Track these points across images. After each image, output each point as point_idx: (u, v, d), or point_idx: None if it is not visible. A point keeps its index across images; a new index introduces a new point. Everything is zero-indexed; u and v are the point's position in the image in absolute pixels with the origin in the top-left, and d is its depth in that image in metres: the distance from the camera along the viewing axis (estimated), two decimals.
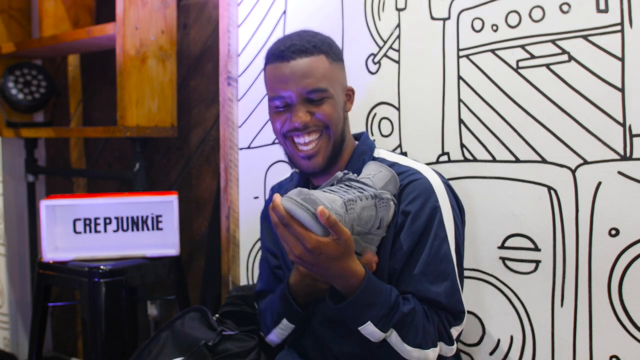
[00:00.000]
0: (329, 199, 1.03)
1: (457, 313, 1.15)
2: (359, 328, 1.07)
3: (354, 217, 1.06)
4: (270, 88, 1.23)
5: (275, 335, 1.31)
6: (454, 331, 1.15)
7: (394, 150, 1.49)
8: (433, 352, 1.11)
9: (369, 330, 1.06)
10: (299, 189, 1.02)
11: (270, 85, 1.22)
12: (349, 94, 1.29)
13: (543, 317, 1.35)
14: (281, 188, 1.42)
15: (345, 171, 1.14)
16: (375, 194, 1.10)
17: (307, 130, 1.19)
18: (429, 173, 1.21)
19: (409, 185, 1.18)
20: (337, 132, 1.21)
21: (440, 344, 1.13)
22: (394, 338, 1.08)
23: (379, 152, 1.30)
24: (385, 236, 1.16)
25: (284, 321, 1.27)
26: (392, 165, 1.23)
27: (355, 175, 1.15)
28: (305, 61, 1.18)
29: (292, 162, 1.27)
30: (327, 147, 1.21)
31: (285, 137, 1.23)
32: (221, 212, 1.94)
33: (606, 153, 1.25)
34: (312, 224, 1.00)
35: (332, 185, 1.13)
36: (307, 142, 1.20)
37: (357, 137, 1.33)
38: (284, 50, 1.19)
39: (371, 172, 1.16)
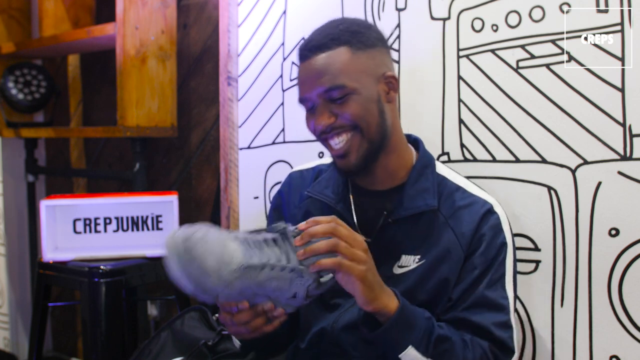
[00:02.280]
0: (220, 260, 0.89)
1: (506, 348, 1.09)
2: (400, 355, 1.00)
3: (248, 284, 0.93)
4: (298, 88, 1.14)
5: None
6: None
7: None
8: None
9: (411, 356, 1.00)
10: (194, 229, 0.91)
11: (298, 85, 1.14)
12: (390, 81, 1.14)
13: (543, 317, 1.35)
14: (303, 180, 1.31)
15: (289, 225, 0.98)
16: (296, 268, 0.95)
17: (334, 131, 1.10)
18: (497, 206, 1.17)
19: (485, 217, 1.13)
20: (370, 129, 1.10)
21: None
22: None
23: (440, 168, 1.21)
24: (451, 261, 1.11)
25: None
26: (456, 190, 1.17)
27: (297, 230, 0.98)
28: (320, 58, 1.08)
29: (333, 161, 1.17)
30: (360, 145, 1.11)
31: (320, 138, 1.14)
32: (221, 212, 1.94)
33: (606, 153, 1.25)
34: (179, 278, 0.90)
35: (264, 232, 0.99)
36: (337, 143, 1.11)
37: (410, 140, 1.24)
38: (303, 49, 1.11)
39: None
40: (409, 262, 1.13)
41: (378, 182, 1.19)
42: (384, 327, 1.00)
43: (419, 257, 1.13)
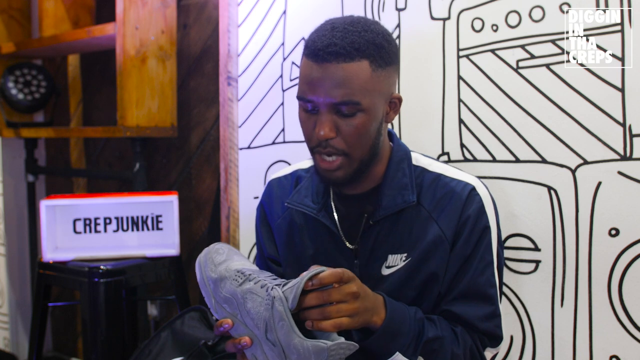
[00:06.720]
0: (227, 259, 1.06)
1: (493, 337, 1.12)
2: None
3: (234, 290, 0.99)
4: (300, 85, 1.08)
5: None
6: (488, 353, 1.13)
7: None
8: None
9: None
10: (216, 247, 1.08)
11: (300, 81, 1.07)
12: (395, 102, 1.12)
13: (543, 317, 1.35)
14: (282, 189, 1.29)
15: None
16: (268, 288, 0.95)
17: (328, 149, 1.06)
18: (480, 187, 1.15)
19: (468, 200, 1.12)
20: (361, 154, 1.08)
21: None
22: None
23: (417, 159, 1.18)
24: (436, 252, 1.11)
25: None
26: (436, 179, 1.15)
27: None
28: (340, 68, 1.01)
29: (315, 168, 1.14)
30: (349, 166, 1.08)
31: (313, 150, 1.11)
32: (221, 212, 1.94)
33: (606, 153, 1.25)
34: (203, 289, 1.05)
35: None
36: (328, 160, 1.08)
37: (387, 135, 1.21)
38: (320, 50, 1.02)
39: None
40: (396, 261, 1.13)
41: (358, 186, 1.17)
42: (371, 338, 1.02)
43: (405, 255, 1.13)
